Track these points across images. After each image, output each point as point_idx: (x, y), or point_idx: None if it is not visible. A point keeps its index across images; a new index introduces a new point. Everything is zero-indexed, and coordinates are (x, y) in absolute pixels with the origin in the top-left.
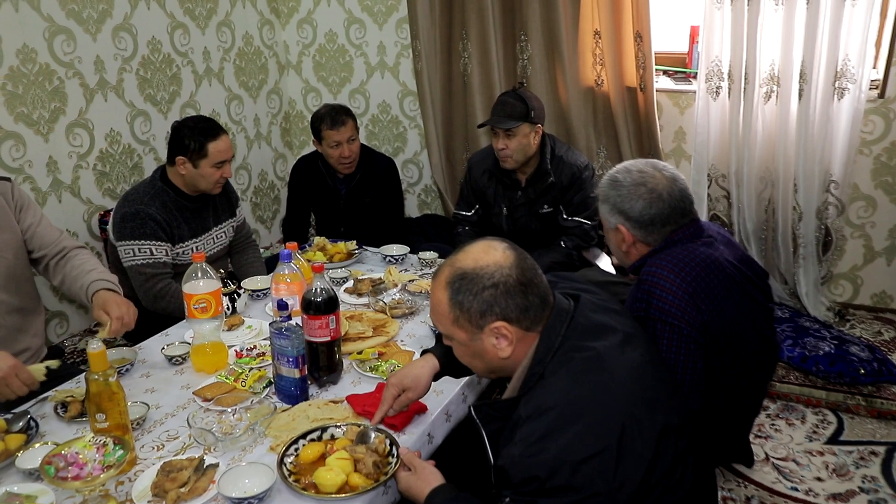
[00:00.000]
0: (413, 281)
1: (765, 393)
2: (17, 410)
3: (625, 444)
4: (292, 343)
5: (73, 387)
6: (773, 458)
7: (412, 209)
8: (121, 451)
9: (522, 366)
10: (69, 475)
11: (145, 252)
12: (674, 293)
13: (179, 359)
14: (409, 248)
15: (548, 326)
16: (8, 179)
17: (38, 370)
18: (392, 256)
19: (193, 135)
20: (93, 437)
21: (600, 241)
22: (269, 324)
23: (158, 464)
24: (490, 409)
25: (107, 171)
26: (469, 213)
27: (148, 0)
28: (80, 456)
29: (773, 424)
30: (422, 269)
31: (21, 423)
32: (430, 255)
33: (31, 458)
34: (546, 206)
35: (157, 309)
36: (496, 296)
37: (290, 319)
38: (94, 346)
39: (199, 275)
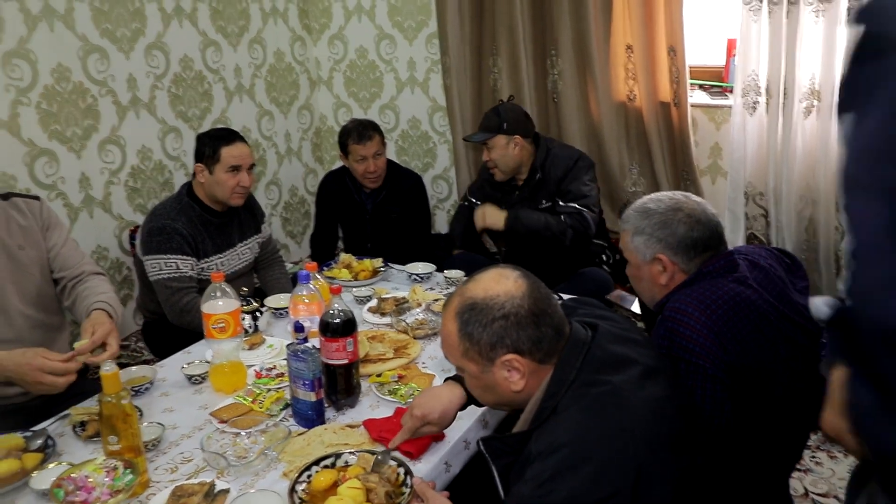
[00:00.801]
0: (437, 301)
1: (805, 438)
2: (36, 428)
3: (640, 488)
4: (308, 366)
5: (93, 405)
6: (813, 493)
7: (442, 225)
8: (130, 476)
9: (535, 398)
10: (77, 500)
11: (171, 266)
12: (698, 331)
13: (199, 378)
14: (435, 266)
15: (562, 359)
16: (37, 198)
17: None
18: (417, 275)
19: (209, 141)
20: (103, 461)
21: (598, 230)
22: (287, 345)
23: (171, 487)
24: (500, 444)
25: (138, 187)
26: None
27: (180, 19)
28: (90, 480)
29: (813, 457)
30: (447, 288)
31: (39, 442)
32: (456, 273)
33: (45, 478)
34: (544, 201)
35: (182, 323)
36: (507, 327)
37: (307, 341)
38: (108, 368)
39: (219, 294)
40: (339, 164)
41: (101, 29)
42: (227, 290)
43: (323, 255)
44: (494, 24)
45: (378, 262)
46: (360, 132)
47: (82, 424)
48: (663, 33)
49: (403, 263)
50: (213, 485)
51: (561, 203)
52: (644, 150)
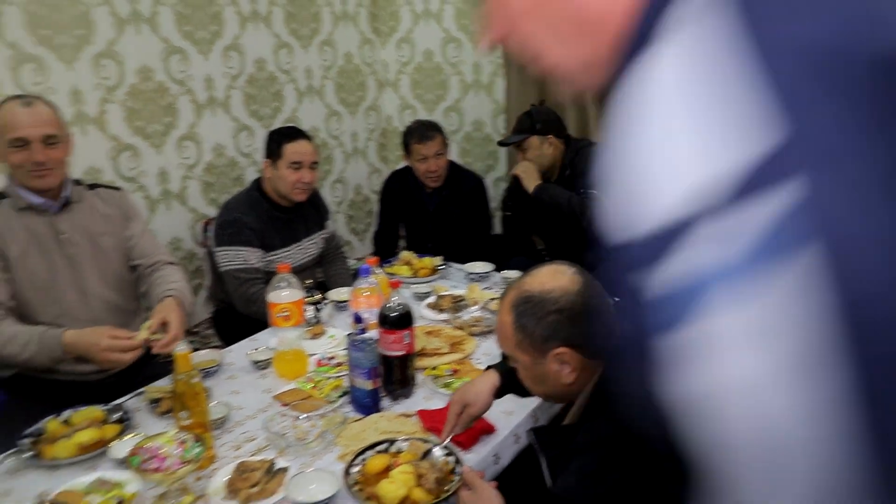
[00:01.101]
0: (494, 300)
1: None
2: (114, 403)
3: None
4: (366, 355)
5: (165, 385)
6: None
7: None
8: (199, 449)
9: (585, 393)
10: (151, 467)
11: (240, 258)
12: None
13: (263, 364)
14: (493, 266)
15: None
16: (119, 189)
17: (142, 331)
18: (476, 274)
19: (275, 137)
20: (175, 434)
21: None
22: (347, 335)
23: (235, 463)
24: (549, 435)
25: (212, 181)
26: None
27: (256, 22)
28: (162, 450)
29: None
30: (505, 288)
31: (117, 415)
32: (515, 273)
33: (123, 448)
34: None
35: (249, 312)
36: (560, 321)
37: (366, 332)
38: (181, 349)
39: (284, 285)
40: (403, 164)
41: (183, 31)
42: (292, 280)
43: (385, 252)
44: None
45: (438, 260)
46: (421, 132)
47: (156, 401)
48: None
49: (463, 262)
50: (273, 463)
51: (581, 190)
52: None
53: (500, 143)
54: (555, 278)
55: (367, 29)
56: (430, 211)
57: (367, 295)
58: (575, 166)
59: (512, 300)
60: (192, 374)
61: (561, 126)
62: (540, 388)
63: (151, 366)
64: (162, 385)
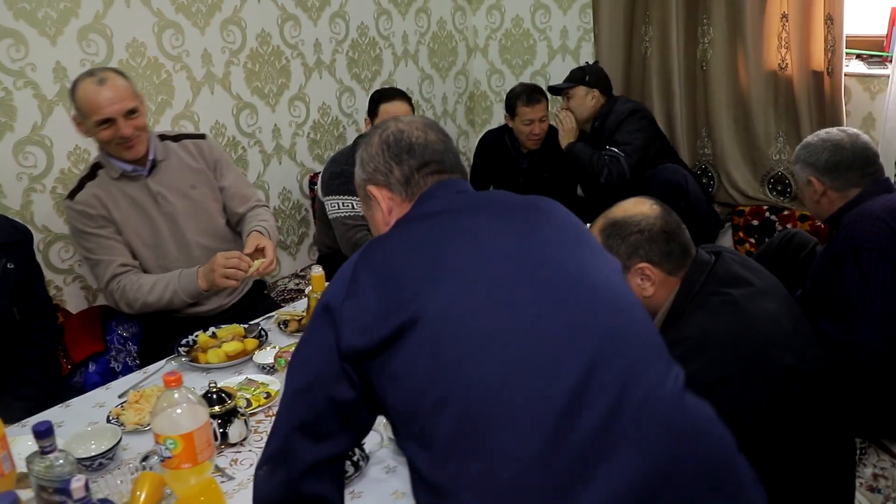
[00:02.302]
0: None
1: None
2: (252, 322)
3: (750, 375)
4: None
5: (290, 309)
6: None
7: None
8: None
9: (663, 309)
10: None
11: (348, 206)
12: (878, 225)
13: None
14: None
15: (689, 274)
16: (203, 136)
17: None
18: None
19: (374, 97)
20: None
21: (633, 176)
22: None
23: None
24: None
25: (317, 139)
26: None
27: None
28: None
29: None
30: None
31: (255, 332)
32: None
33: (264, 356)
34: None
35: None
36: (641, 241)
37: None
38: (316, 271)
39: None
40: (489, 126)
41: (296, 0)
42: None
43: None
44: None
45: None
46: (529, 95)
47: (285, 323)
48: (822, 1)
49: None
50: None
51: (607, 146)
52: (792, 118)
53: (550, 89)
54: (637, 206)
55: None
56: (524, 170)
57: None
58: (604, 121)
59: (601, 226)
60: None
61: (608, 85)
62: None
63: (263, 301)
64: (288, 310)
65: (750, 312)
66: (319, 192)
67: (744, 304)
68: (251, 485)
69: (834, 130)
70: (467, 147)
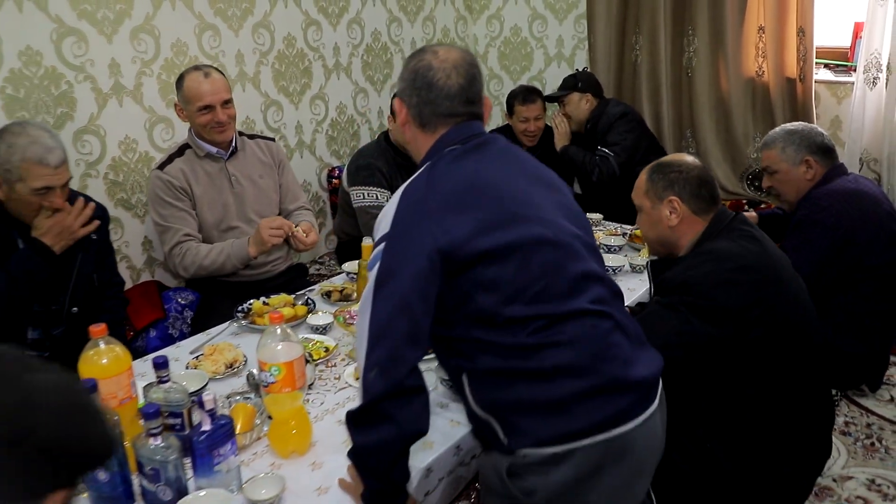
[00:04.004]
0: None
1: None
2: (299, 293)
3: (762, 289)
4: None
5: (328, 283)
6: None
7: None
8: None
9: (692, 241)
10: (354, 322)
11: (372, 196)
12: (831, 200)
13: None
14: None
15: (716, 217)
16: (272, 139)
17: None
18: None
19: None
20: None
21: (624, 173)
22: None
23: None
24: (661, 265)
25: (335, 136)
26: None
27: (374, 0)
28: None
29: None
30: None
31: (302, 300)
32: (596, 216)
33: (316, 319)
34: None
35: None
36: (677, 179)
37: None
38: (367, 242)
39: None
40: (489, 128)
41: (318, 6)
42: None
43: None
44: (639, 7)
45: None
46: (525, 96)
47: (328, 294)
48: (794, 15)
49: None
50: None
51: (598, 146)
52: (768, 121)
53: (547, 98)
54: (682, 157)
55: (461, 7)
56: None
57: None
58: (596, 122)
59: (648, 168)
60: None
61: (599, 89)
62: (653, 232)
63: (302, 278)
64: (329, 282)
65: (766, 243)
66: (345, 182)
67: (761, 237)
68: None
69: (798, 123)
70: None
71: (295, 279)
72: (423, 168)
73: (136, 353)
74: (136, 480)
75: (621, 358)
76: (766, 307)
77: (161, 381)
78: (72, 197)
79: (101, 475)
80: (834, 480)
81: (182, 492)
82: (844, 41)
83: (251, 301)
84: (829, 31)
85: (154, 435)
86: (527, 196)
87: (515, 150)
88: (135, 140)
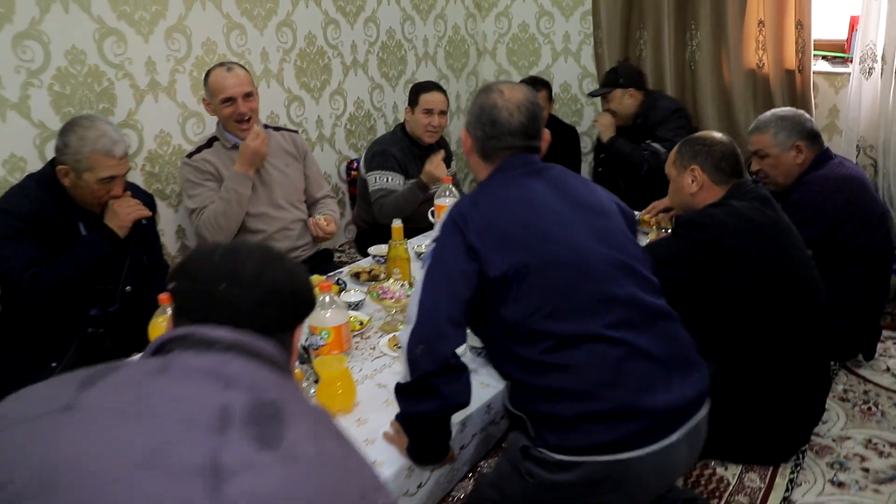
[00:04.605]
0: None
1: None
2: (330, 274)
3: (764, 242)
4: None
5: (356, 265)
6: (895, 370)
7: (584, 174)
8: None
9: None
10: (387, 297)
11: (383, 179)
12: (824, 185)
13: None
14: None
15: (734, 186)
16: (296, 131)
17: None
18: None
19: (415, 88)
20: (394, 282)
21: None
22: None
23: None
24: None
25: (353, 129)
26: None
27: (384, 0)
28: (391, 289)
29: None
30: None
31: (334, 280)
32: None
33: (348, 297)
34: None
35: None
36: (701, 151)
37: None
38: (397, 224)
39: (447, 194)
40: None
41: (337, 6)
42: (454, 191)
43: None
44: (642, 2)
45: None
46: (533, 84)
47: (357, 275)
48: (793, 10)
49: None
50: None
51: (647, 141)
52: (768, 110)
53: (590, 94)
54: (712, 134)
55: (471, 4)
56: None
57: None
58: (647, 117)
59: (680, 141)
60: (403, 242)
61: (641, 80)
62: (676, 198)
63: (329, 262)
64: (357, 265)
65: (780, 211)
66: (362, 169)
67: (775, 205)
68: (364, 382)
69: (788, 108)
70: None
71: (321, 264)
72: (478, 185)
73: None
74: None
75: (632, 385)
76: (766, 260)
77: None
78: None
79: None
80: (833, 440)
81: None
82: (841, 34)
83: None
84: (826, 25)
85: None
86: (559, 218)
87: (567, 178)
88: (169, 134)
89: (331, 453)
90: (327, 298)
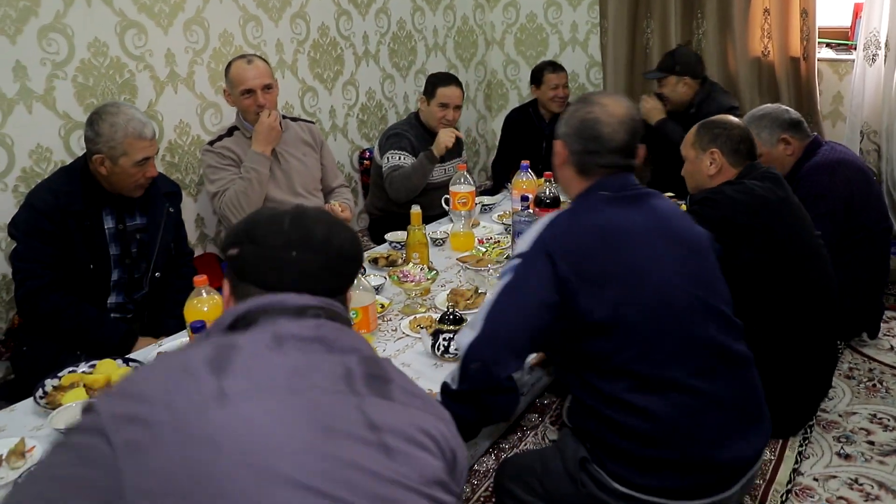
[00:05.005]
0: None
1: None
2: None
3: (771, 219)
4: (529, 225)
5: (373, 251)
6: None
7: None
8: (433, 272)
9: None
10: (407, 280)
11: (396, 158)
12: (823, 174)
13: (440, 241)
14: None
15: (747, 167)
16: (313, 122)
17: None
18: None
19: (432, 80)
20: (413, 265)
21: None
22: (514, 214)
23: (447, 290)
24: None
25: (364, 119)
26: None
27: None
28: (411, 273)
29: None
30: None
31: None
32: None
33: (372, 280)
34: None
35: (401, 199)
36: (721, 135)
37: (529, 209)
38: (415, 209)
39: (462, 181)
40: (504, 113)
41: None
42: (469, 178)
43: (501, 177)
44: None
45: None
46: (554, 66)
47: (375, 260)
48: None
49: None
50: (477, 288)
51: None
52: (774, 97)
53: (645, 76)
54: (730, 119)
55: None
56: (545, 136)
57: (524, 187)
58: (700, 107)
59: (697, 124)
60: (421, 227)
61: (698, 68)
62: (693, 181)
63: None
64: (375, 250)
65: (791, 192)
66: (377, 156)
67: (787, 186)
68: None
69: (763, 106)
70: (486, 130)
71: None
72: (572, 204)
73: None
74: None
75: (708, 439)
76: (775, 237)
77: None
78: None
79: None
80: (840, 416)
81: None
82: (845, 21)
83: None
84: (830, 12)
85: None
86: (655, 255)
87: (664, 208)
88: (188, 124)
89: (422, 392)
90: (355, 280)
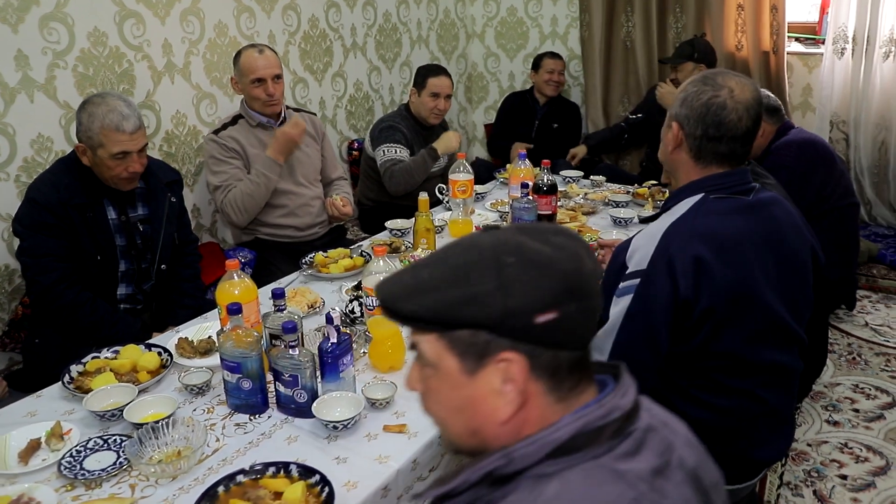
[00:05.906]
0: (588, 193)
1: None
2: (353, 247)
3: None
4: (529, 213)
5: (379, 238)
6: (872, 325)
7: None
8: None
9: None
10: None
11: (392, 151)
12: (790, 149)
13: (439, 229)
14: (582, 174)
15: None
16: (314, 114)
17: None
18: (569, 177)
19: (422, 71)
20: (423, 251)
21: None
22: (514, 201)
23: None
24: None
25: (353, 111)
26: None
27: None
28: (419, 257)
29: (874, 306)
30: (592, 189)
31: (358, 252)
32: (599, 178)
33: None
34: None
35: (398, 191)
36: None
37: (528, 196)
38: (423, 196)
39: (462, 169)
40: (486, 104)
41: None
42: (468, 166)
43: (498, 152)
44: None
45: (537, 170)
46: (552, 53)
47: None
48: None
49: (558, 165)
50: None
51: None
52: None
53: (661, 61)
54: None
55: None
56: (538, 118)
57: (521, 176)
58: None
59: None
60: (428, 213)
61: (714, 59)
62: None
63: (343, 238)
64: (377, 237)
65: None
66: (368, 148)
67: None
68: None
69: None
70: (467, 121)
71: (336, 239)
72: (688, 210)
73: (210, 304)
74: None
75: (755, 439)
76: None
77: (278, 309)
78: (150, 164)
79: (246, 384)
80: (825, 386)
81: (315, 395)
82: (813, 16)
83: (312, 254)
84: (798, 8)
85: (293, 347)
86: (765, 276)
87: (780, 217)
88: (184, 115)
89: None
90: (381, 262)
